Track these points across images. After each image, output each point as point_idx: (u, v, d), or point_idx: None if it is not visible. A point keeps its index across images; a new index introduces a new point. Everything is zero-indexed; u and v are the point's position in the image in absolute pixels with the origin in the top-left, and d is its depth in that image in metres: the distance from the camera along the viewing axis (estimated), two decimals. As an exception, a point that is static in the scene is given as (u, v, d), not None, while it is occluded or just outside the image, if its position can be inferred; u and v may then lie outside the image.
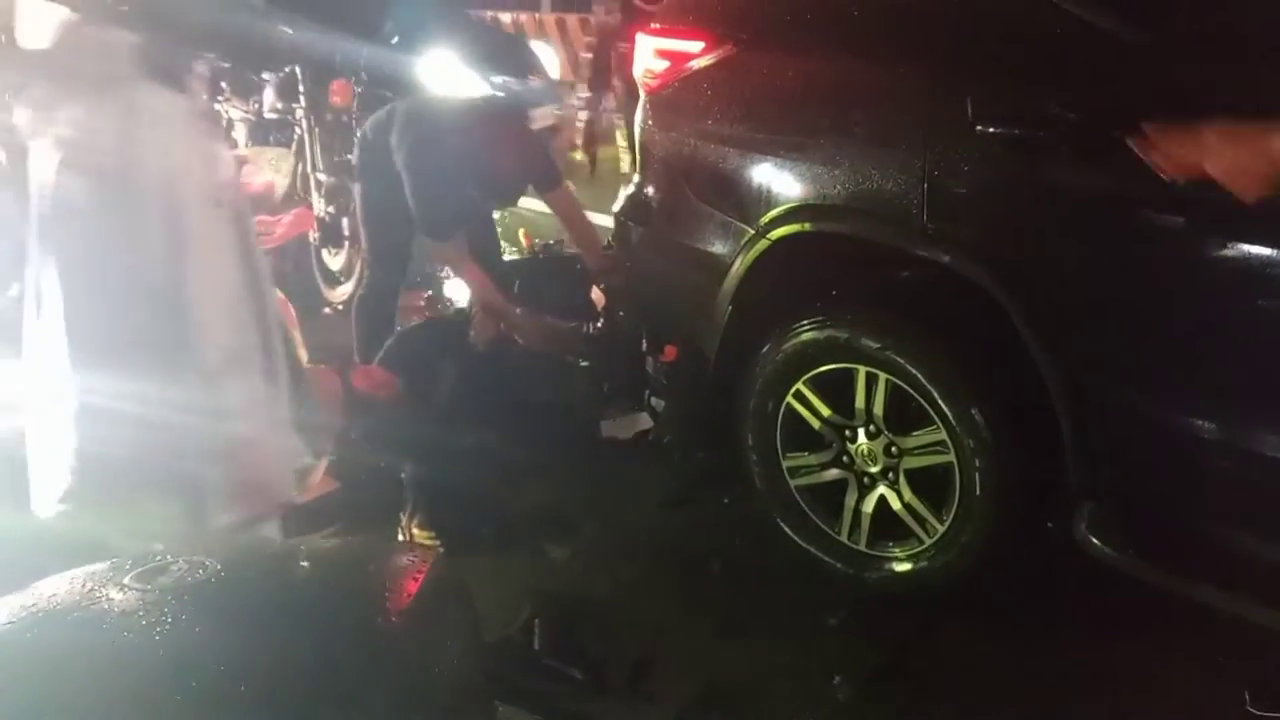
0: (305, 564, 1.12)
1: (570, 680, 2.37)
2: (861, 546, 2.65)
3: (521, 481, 3.15)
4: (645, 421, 3.48)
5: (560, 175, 3.87)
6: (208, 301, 1.86)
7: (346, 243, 4.77)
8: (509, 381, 3.28)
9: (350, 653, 0.99)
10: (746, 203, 2.68)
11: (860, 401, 2.56)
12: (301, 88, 4.85)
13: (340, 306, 4.66)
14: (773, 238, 2.61)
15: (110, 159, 1.74)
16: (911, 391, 2.44)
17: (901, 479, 2.55)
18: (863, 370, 2.53)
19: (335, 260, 4.91)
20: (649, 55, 2.92)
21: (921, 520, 2.52)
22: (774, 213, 2.60)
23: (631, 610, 2.66)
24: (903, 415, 2.51)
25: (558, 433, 3.32)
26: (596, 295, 3.76)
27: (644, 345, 3.26)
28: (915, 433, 2.49)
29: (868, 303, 2.56)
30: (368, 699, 0.96)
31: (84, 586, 1.04)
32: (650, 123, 2.96)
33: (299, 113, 4.90)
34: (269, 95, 5.08)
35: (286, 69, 4.80)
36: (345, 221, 4.72)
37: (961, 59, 2.30)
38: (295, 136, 4.97)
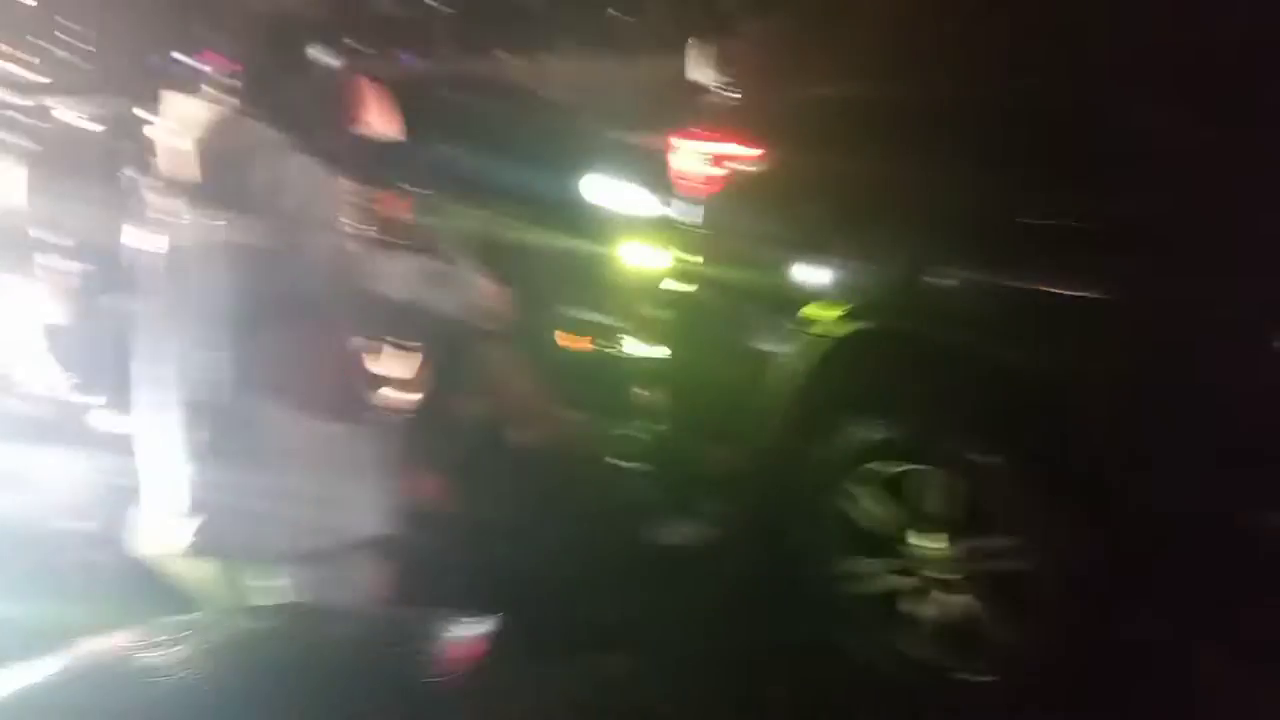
0: (343, 626, 1.09)
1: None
2: (924, 657, 2.52)
3: (573, 588, 3.07)
4: (699, 525, 3.40)
5: None
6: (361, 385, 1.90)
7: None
8: (558, 485, 3.24)
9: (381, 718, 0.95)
10: (805, 301, 2.66)
11: (925, 505, 2.48)
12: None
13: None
14: (833, 336, 2.59)
15: (279, 238, 1.75)
16: (979, 495, 2.36)
17: (969, 586, 2.44)
18: (926, 471, 2.46)
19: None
20: (697, 159, 2.97)
21: (989, 630, 2.40)
22: (833, 311, 2.58)
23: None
24: (971, 519, 2.42)
25: (609, 538, 3.26)
26: (645, 396, 3.73)
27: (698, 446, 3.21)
28: (983, 537, 2.39)
29: (930, 402, 2.50)
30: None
31: (122, 645, 1.03)
32: (701, 224, 2.99)
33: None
34: None
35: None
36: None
37: (1006, 154, 2.31)
38: None
